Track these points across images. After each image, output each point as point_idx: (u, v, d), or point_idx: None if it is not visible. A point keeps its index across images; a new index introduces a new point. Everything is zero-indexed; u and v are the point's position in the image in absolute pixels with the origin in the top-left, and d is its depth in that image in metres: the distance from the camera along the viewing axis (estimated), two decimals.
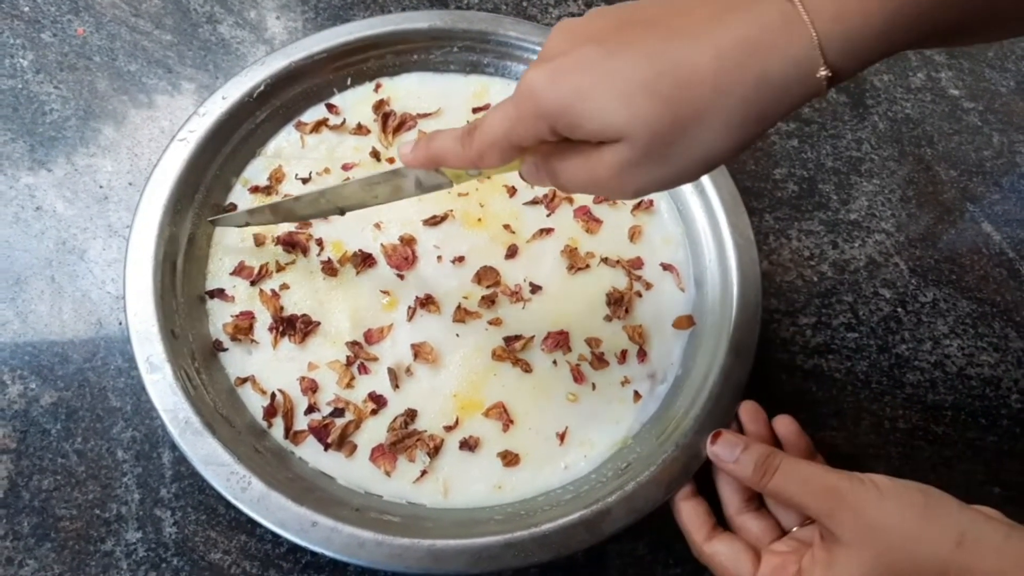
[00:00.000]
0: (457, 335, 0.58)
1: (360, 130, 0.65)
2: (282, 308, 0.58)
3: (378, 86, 0.67)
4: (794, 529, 0.50)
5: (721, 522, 0.51)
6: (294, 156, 0.64)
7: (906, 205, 0.71)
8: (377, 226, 0.61)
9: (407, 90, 0.68)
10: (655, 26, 0.37)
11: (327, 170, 0.63)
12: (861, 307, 0.66)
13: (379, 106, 0.66)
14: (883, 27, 0.35)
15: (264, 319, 0.57)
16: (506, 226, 0.63)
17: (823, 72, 0.35)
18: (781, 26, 0.35)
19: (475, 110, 0.68)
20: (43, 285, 0.59)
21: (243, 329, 0.56)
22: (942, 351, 0.65)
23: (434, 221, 0.62)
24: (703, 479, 0.53)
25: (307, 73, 0.64)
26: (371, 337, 0.57)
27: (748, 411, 0.54)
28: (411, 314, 0.58)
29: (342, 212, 0.56)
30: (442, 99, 0.67)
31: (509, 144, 0.40)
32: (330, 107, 0.66)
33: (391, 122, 0.65)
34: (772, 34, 0.35)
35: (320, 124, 0.65)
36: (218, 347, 0.56)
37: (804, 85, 0.35)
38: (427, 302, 0.59)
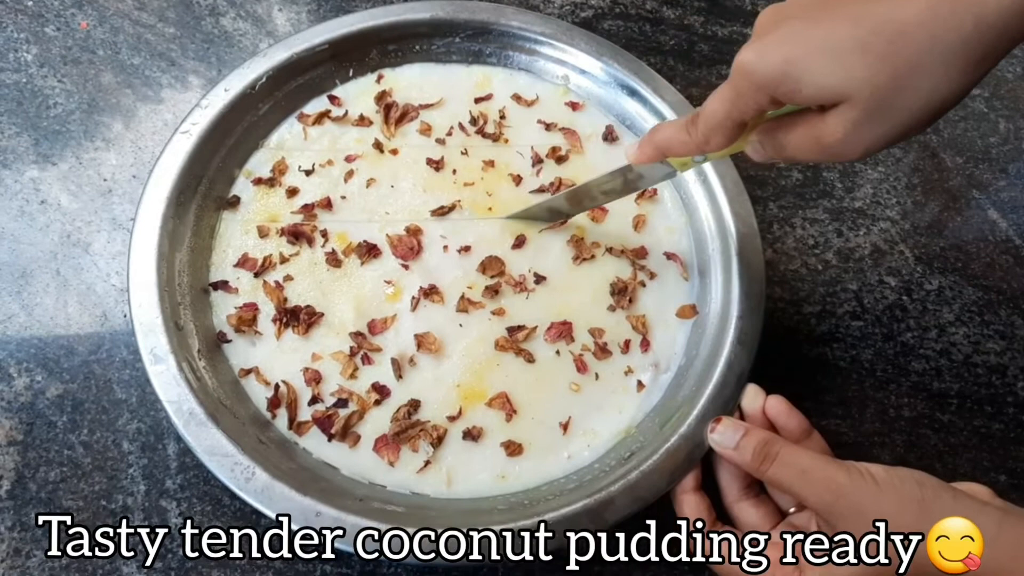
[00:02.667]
0: (460, 325, 0.58)
1: (363, 121, 0.65)
2: (286, 299, 0.58)
3: (380, 77, 0.68)
4: (791, 511, 0.50)
5: (721, 516, 0.51)
6: (297, 148, 0.64)
7: (911, 193, 0.71)
8: (385, 216, 0.62)
9: (409, 81, 0.68)
10: None
11: (330, 162, 0.63)
12: (866, 295, 0.66)
13: (381, 97, 0.66)
14: None
15: (268, 310, 0.57)
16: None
17: None
18: None
19: (477, 100, 0.68)
20: (48, 278, 0.59)
21: (247, 321, 0.57)
22: (948, 339, 0.65)
23: (442, 212, 0.62)
24: (706, 473, 0.53)
25: (309, 65, 0.64)
26: (375, 328, 0.57)
27: (750, 396, 0.54)
28: (415, 304, 0.58)
29: (565, 220, 0.62)
30: (444, 90, 0.68)
31: (732, 123, 0.42)
32: (332, 98, 0.66)
33: (393, 113, 0.66)
34: None
35: (322, 116, 0.65)
36: (222, 339, 0.56)
37: None
38: (431, 292, 0.59)
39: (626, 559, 0.54)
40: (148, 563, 0.51)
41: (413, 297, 0.59)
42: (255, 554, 0.52)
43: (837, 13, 0.38)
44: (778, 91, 0.39)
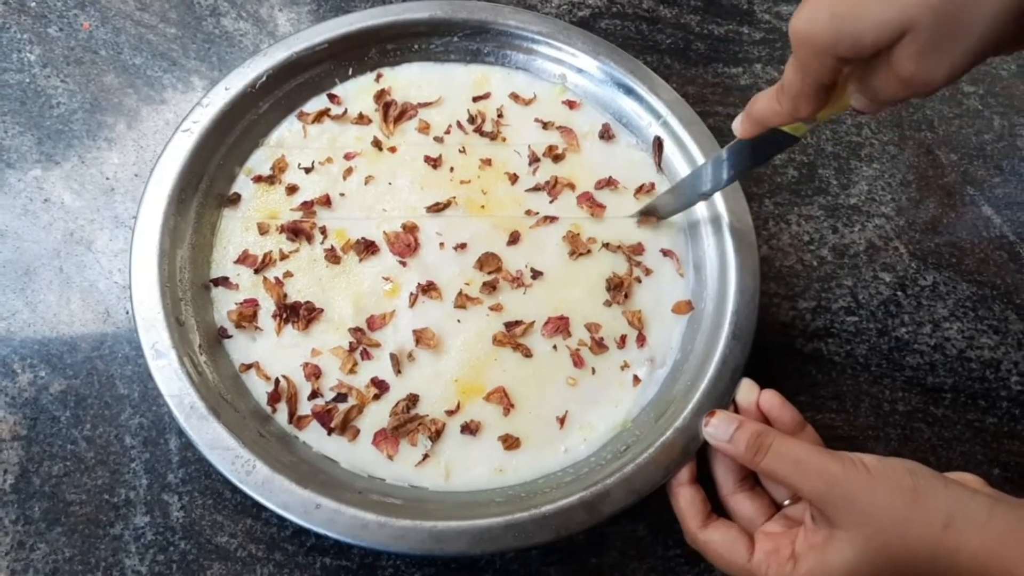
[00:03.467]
0: (458, 321, 0.59)
1: (362, 120, 0.66)
2: (285, 295, 0.59)
3: (379, 76, 0.68)
4: (785, 503, 0.51)
5: (716, 508, 0.52)
6: (297, 146, 0.65)
7: (906, 189, 0.71)
8: (382, 213, 0.62)
9: (408, 80, 0.68)
10: None
11: (329, 159, 0.64)
12: (861, 291, 0.66)
13: (380, 96, 0.67)
14: None
15: (268, 306, 0.58)
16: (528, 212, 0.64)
17: None
18: None
19: (475, 99, 0.68)
20: (51, 275, 0.60)
21: (247, 316, 0.57)
22: (942, 334, 0.65)
23: (437, 208, 0.63)
24: (702, 467, 0.53)
25: (309, 63, 0.65)
26: (373, 323, 0.58)
27: (744, 390, 0.55)
28: (413, 300, 0.59)
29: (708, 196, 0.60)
30: (443, 88, 0.68)
31: (812, 89, 0.42)
32: (332, 97, 0.67)
33: (392, 111, 0.66)
34: None
35: (322, 114, 0.66)
36: (223, 334, 0.57)
37: None
38: (429, 288, 0.59)
39: (622, 550, 0.55)
40: (150, 556, 0.52)
41: (411, 293, 0.59)
42: (255, 547, 0.53)
43: None
44: (839, 49, 0.39)
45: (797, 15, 0.40)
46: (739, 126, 0.50)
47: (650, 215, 0.63)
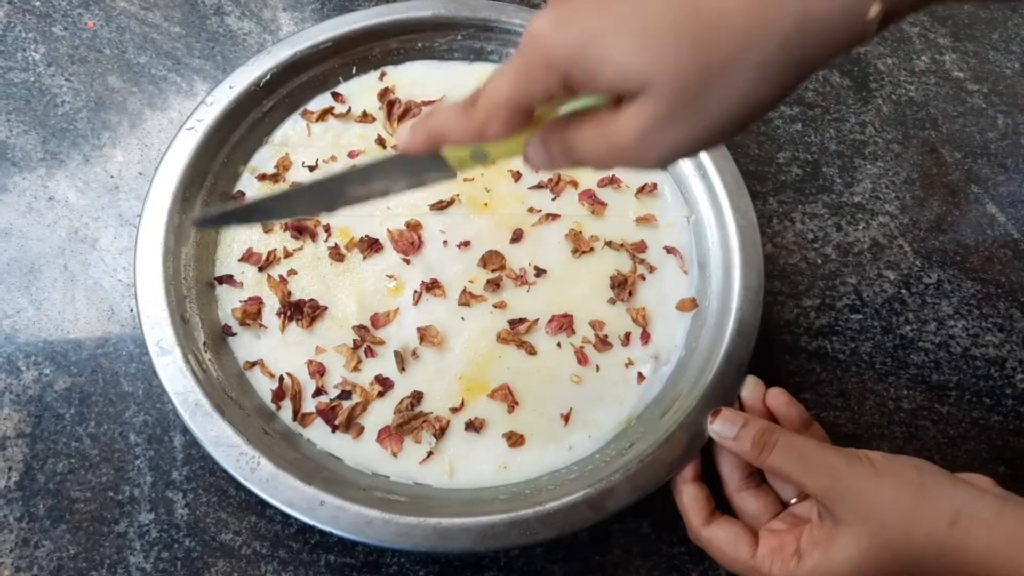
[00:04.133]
0: (462, 318, 0.59)
1: (365, 118, 0.66)
2: (290, 293, 0.59)
3: (383, 74, 0.68)
4: (792, 501, 0.51)
5: (721, 506, 0.52)
6: (300, 144, 0.65)
7: (910, 187, 0.71)
8: (385, 211, 0.62)
9: (411, 78, 0.68)
10: None
11: (333, 157, 0.64)
12: (865, 289, 0.66)
13: (384, 94, 0.67)
14: None
15: (272, 304, 0.58)
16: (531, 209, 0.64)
17: (875, 10, 0.31)
18: None
19: None
20: (56, 274, 0.60)
21: (251, 314, 0.57)
22: (947, 332, 0.65)
23: (440, 206, 0.63)
24: (705, 464, 0.53)
25: (313, 62, 0.65)
26: (377, 321, 0.58)
27: (749, 387, 0.55)
28: (417, 298, 0.59)
29: (330, 210, 0.45)
30: (446, 87, 0.68)
31: (517, 105, 0.35)
32: (336, 95, 0.67)
33: (396, 110, 0.66)
34: None
35: (326, 112, 0.66)
36: (227, 332, 0.57)
37: (851, 26, 0.31)
38: (433, 286, 0.59)
39: (626, 548, 0.55)
40: (154, 553, 0.52)
41: (415, 291, 0.59)
42: (260, 544, 0.53)
43: None
44: (573, 70, 0.33)
45: (544, 15, 0.33)
46: (407, 137, 0.40)
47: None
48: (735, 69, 0.32)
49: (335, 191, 0.44)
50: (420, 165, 0.41)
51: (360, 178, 0.43)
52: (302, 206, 0.45)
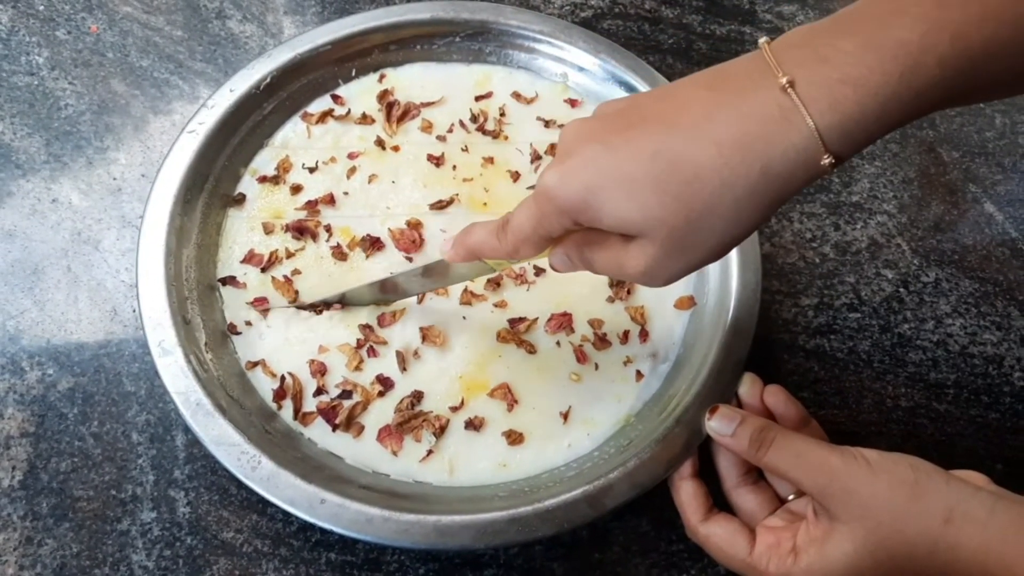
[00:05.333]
0: (464, 318, 0.59)
1: (365, 120, 0.67)
2: (297, 293, 0.59)
3: (382, 76, 0.69)
4: (789, 498, 0.51)
5: (718, 502, 0.52)
6: (301, 146, 0.65)
7: (908, 187, 0.72)
8: (385, 210, 0.63)
9: (411, 80, 0.69)
10: (654, 122, 0.38)
11: (333, 159, 0.65)
12: (863, 288, 0.67)
13: (383, 96, 0.68)
14: (879, 112, 0.36)
15: (279, 303, 0.59)
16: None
17: (826, 160, 0.36)
18: (779, 119, 0.36)
19: (477, 98, 0.69)
20: (59, 275, 0.61)
21: (261, 312, 0.59)
22: (944, 330, 0.65)
23: (440, 205, 0.63)
24: (703, 461, 0.53)
25: (312, 65, 0.66)
26: (383, 320, 0.59)
27: (747, 385, 0.55)
28: (421, 297, 0.59)
29: (389, 302, 0.59)
30: (445, 88, 0.69)
31: (539, 238, 0.42)
32: (335, 98, 0.67)
33: (395, 111, 0.67)
34: (771, 127, 0.36)
35: (326, 114, 0.66)
36: (232, 331, 0.58)
37: (808, 170, 0.36)
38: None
39: (625, 545, 0.55)
40: (156, 551, 0.53)
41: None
42: (261, 542, 0.53)
43: (635, 144, 0.38)
44: (580, 216, 0.39)
45: (552, 169, 0.40)
46: (450, 251, 0.49)
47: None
48: (713, 215, 0.37)
49: (397, 287, 0.57)
50: (464, 266, 0.51)
51: (416, 276, 0.55)
52: (369, 297, 0.58)
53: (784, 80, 0.36)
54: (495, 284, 0.60)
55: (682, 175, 0.37)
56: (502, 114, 0.68)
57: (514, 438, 0.56)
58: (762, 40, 0.38)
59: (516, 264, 0.49)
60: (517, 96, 0.69)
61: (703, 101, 0.38)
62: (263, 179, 0.63)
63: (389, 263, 0.61)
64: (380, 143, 0.66)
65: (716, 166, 0.36)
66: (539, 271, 0.61)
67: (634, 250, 0.40)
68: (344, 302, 0.59)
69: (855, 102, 0.35)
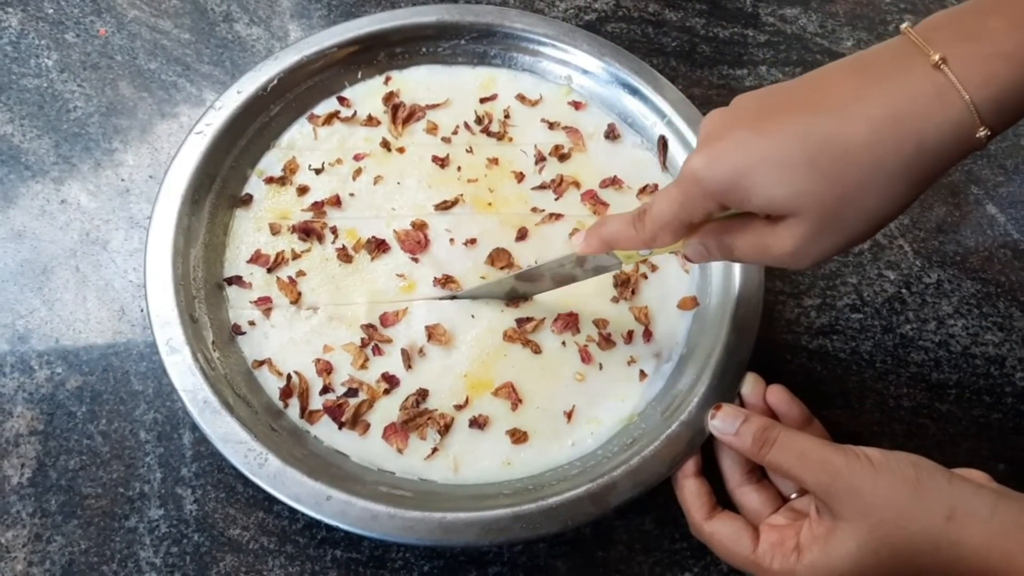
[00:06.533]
0: (472, 316, 0.60)
1: (371, 121, 0.67)
2: (300, 294, 0.59)
3: (388, 79, 0.70)
4: (793, 496, 0.51)
5: (722, 500, 0.52)
6: (307, 147, 0.66)
7: None
8: (391, 212, 0.63)
9: (416, 82, 0.70)
10: (800, 104, 0.39)
11: (339, 160, 0.65)
12: (865, 288, 0.67)
13: (389, 98, 0.68)
14: None
15: (283, 303, 0.59)
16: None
17: (982, 132, 0.36)
18: (933, 95, 0.36)
19: (482, 100, 0.69)
20: (68, 275, 0.61)
21: (264, 312, 0.59)
22: (946, 331, 0.66)
23: (445, 206, 0.64)
24: (707, 460, 0.54)
25: (319, 67, 0.67)
26: (386, 320, 0.59)
27: (750, 384, 0.55)
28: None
29: (525, 297, 0.61)
30: (450, 90, 0.69)
31: (680, 224, 0.43)
32: (341, 100, 0.68)
33: (401, 113, 0.67)
34: (924, 103, 0.36)
35: (332, 116, 0.67)
36: (236, 331, 0.58)
37: (962, 146, 0.37)
38: (447, 282, 0.60)
39: (628, 544, 0.56)
40: (164, 548, 0.53)
41: (429, 287, 0.61)
42: (267, 540, 0.54)
43: (785, 126, 0.39)
44: (727, 198, 0.40)
45: (698, 154, 0.40)
46: (581, 243, 0.50)
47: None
48: (865, 192, 0.38)
49: (531, 282, 0.59)
50: (594, 259, 0.53)
51: (550, 271, 0.57)
52: (505, 289, 0.60)
53: (936, 57, 0.36)
54: None
55: (834, 153, 0.37)
56: (507, 116, 0.69)
57: (518, 436, 0.56)
58: (904, 24, 0.39)
59: (649, 255, 0.49)
60: (521, 98, 0.70)
61: (850, 84, 0.38)
62: (270, 180, 0.64)
63: (395, 264, 0.61)
64: (386, 145, 0.66)
65: (869, 143, 0.37)
66: None
67: (782, 231, 0.40)
68: (475, 295, 0.61)
69: (1009, 75, 0.36)
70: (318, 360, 0.57)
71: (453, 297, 0.61)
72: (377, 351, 0.58)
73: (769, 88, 0.42)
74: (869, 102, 0.37)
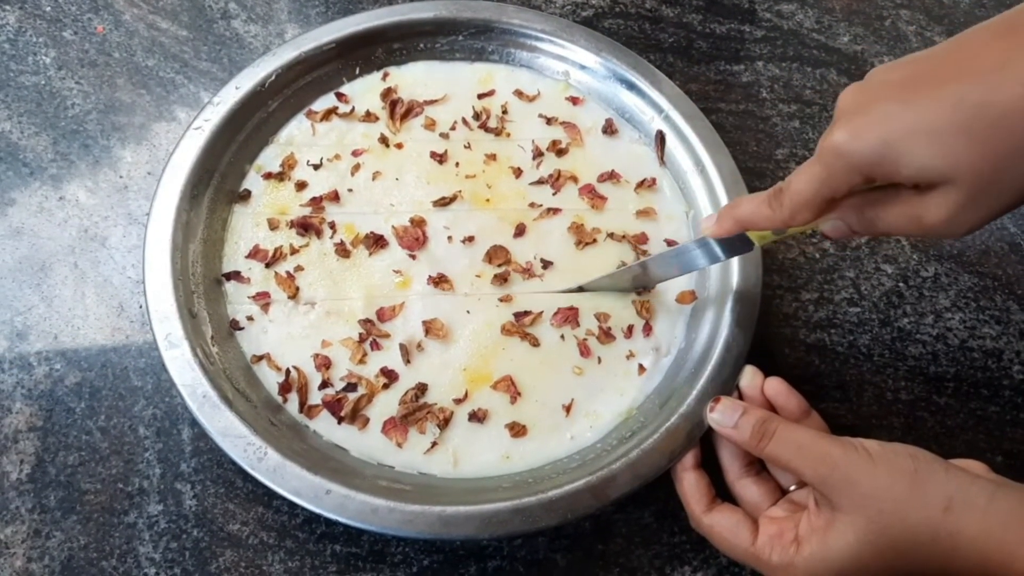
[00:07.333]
0: (468, 311, 0.60)
1: (369, 117, 0.67)
2: (298, 289, 0.59)
3: (386, 75, 0.70)
4: (791, 488, 0.51)
5: (721, 493, 0.53)
6: (305, 143, 0.66)
7: None
8: (389, 207, 0.64)
9: (414, 78, 0.70)
10: (949, 72, 0.39)
11: (337, 156, 0.65)
12: (863, 282, 0.67)
13: (387, 94, 0.68)
14: None
15: (280, 299, 0.59)
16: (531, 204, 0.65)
17: None
18: None
19: (480, 96, 0.69)
20: (67, 271, 0.61)
21: (263, 307, 0.59)
22: (944, 324, 0.66)
23: (443, 202, 0.64)
24: (706, 453, 0.54)
25: (317, 63, 0.67)
26: (383, 315, 0.59)
27: (748, 377, 0.55)
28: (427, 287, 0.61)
29: (649, 288, 0.62)
30: (448, 86, 0.69)
31: (821, 200, 0.43)
32: (339, 96, 0.68)
33: (399, 109, 0.67)
34: None
35: (330, 112, 0.67)
36: (235, 326, 0.58)
37: None
38: (441, 280, 0.60)
39: (628, 537, 0.56)
40: (163, 544, 0.53)
41: (423, 284, 0.60)
42: (267, 535, 0.54)
43: (932, 96, 0.38)
44: (874, 171, 0.40)
45: (841, 128, 0.40)
46: (714, 225, 0.50)
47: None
48: (1022, 156, 0.37)
49: (653, 272, 0.59)
50: (723, 243, 0.52)
51: (674, 259, 0.56)
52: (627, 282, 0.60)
53: None
54: (502, 279, 0.61)
55: (988, 118, 0.37)
56: (504, 112, 0.69)
57: (517, 430, 0.56)
58: None
59: (784, 235, 0.48)
60: (519, 94, 0.70)
61: (998, 48, 0.38)
62: (268, 176, 0.64)
63: (392, 260, 0.61)
64: (384, 140, 0.66)
65: (1023, 106, 0.36)
66: (546, 264, 0.62)
67: (934, 200, 0.39)
68: (599, 287, 0.61)
69: None
70: (317, 355, 0.57)
71: (580, 289, 0.61)
72: (375, 346, 0.58)
73: (910, 57, 0.42)
74: (1021, 66, 0.36)
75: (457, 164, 0.66)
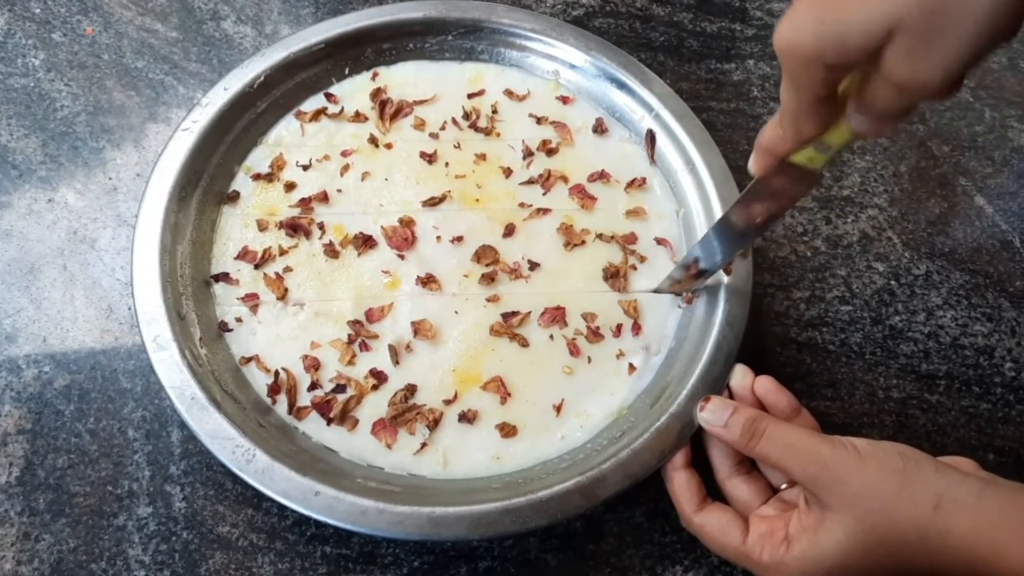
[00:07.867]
0: (456, 312, 0.60)
1: (358, 118, 0.67)
2: (287, 290, 0.59)
3: (375, 75, 0.69)
4: (782, 487, 0.51)
5: (712, 492, 0.52)
6: (294, 144, 0.66)
7: (899, 181, 0.72)
8: (378, 208, 0.63)
9: (403, 78, 0.70)
10: None
11: (327, 157, 0.65)
12: (855, 280, 0.67)
13: (376, 94, 0.68)
14: None
15: (269, 300, 0.59)
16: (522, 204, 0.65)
17: None
18: None
19: (470, 96, 0.69)
20: (56, 273, 0.61)
21: (251, 308, 0.59)
22: (935, 322, 0.66)
23: (432, 202, 0.64)
24: (697, 452, 0.54)
25: (306, 64, 0.66)
26: (372, 316, 0.59)
27: (738, 376, 0.55)
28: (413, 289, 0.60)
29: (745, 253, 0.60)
30: (438, 86, 0.69)
31: (809, 105, 0.40)
32: (329, 96, 0.68)
33: (388, 109, 0.67)
34: None
35: (319, 113, 0.67)
36: (223, 328, 0.58)
37: None
38: (428, 281, 0.60)
39: (619, 536, 0.56)
40: (153, 546, 0.53)
41: (416, 279, 0.60)
42: (256, 537, 0.54)
43: None
44: (827, 56, 0.37)
45: (780, 27, 0.38)
46: (753, 163, 0.48)
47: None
48: None
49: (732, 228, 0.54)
50: (782, 182, 0.49)
51: (746, 205, 0.53)
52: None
53: None
54: (490, 279, 0.61)
55: None
56: (494, 111, 0.69)
57: (507, 431, 0.56)
58: None
59: (830, 151, 0.45)
60: (509, 93, 0.70)
61: None
62: (257, 176, 0.64)
63: (381, 260, 0.61)
64: (373, 141, 0.66)
65: None
66: (533, 265, 0.62)
67: (892, 54, 0.36)
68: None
69: None
70: (305, 356, 0.57)
71: (700, 276, 0.59)
72: (364, 347, 0.58)
73: None
74: None
75: (447, 164, 0.66)
